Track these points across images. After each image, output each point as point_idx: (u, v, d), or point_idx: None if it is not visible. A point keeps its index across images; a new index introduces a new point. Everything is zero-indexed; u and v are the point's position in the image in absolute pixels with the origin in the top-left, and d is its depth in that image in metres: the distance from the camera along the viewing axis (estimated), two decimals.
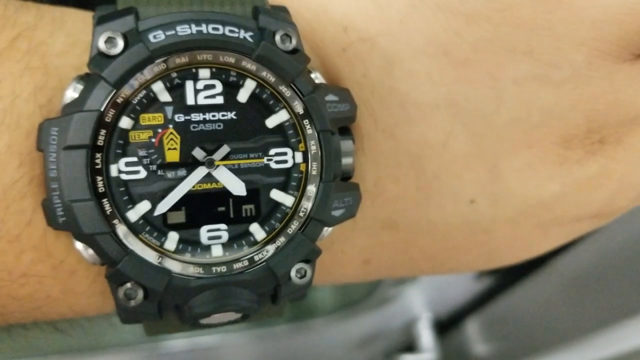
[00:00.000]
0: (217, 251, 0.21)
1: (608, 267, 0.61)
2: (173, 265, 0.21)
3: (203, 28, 0.20)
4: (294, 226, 0.22)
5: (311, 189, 0.22)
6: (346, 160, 0.22)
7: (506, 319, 0.78)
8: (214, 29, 0.21)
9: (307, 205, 0.22)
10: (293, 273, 0.22)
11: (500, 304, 0.76)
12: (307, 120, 0.22)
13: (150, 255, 0.21)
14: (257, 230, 0.22)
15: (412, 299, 0.82)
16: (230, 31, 0.21)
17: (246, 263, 0.21)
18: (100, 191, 0.20)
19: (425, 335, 0.84)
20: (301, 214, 0.22)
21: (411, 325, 0.84)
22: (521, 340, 0.77)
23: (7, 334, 0.26)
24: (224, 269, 0.21)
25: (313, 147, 0.22)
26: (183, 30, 0.20)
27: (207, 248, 0.21)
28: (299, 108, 0.22)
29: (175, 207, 0.21)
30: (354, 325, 0.83)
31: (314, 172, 0.22)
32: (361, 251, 0.26)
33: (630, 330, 0.59)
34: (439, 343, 0.84)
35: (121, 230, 0.20)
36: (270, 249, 0.22)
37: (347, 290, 0.82)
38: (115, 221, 0.20)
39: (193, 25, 0.20)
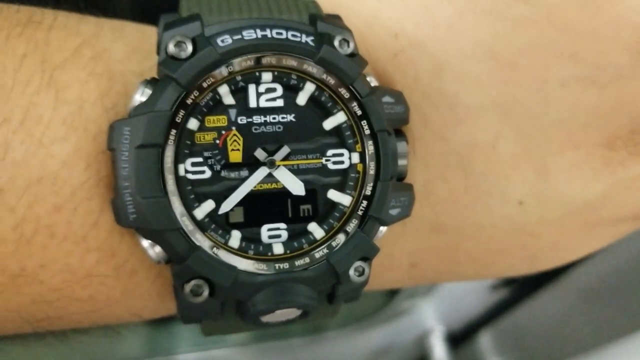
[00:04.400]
0: (278, 249, 0.22)
1: (622, 278, 0.61)
2: (238, 262, 0.21)
3: (267, 33, 0.21)
4: (352, 224, 0.22)
5: (369, 188, 0.22)
6: (401, 162, 0.23)
7: (520, 331, 0.78)
8: (277, 33, 0.21)
9: (365, 204, 0.22)
10: (352, 271, 0.22)
11: (514, 316, 0.76)
12: (364, 121, 0.22)
13: (216, 252, 0.21)
14: (315, 229, 0.22)
15: (425, 311, 0.82)
16: (293, 35, 0.22)
17: (307, 260, 0.22)
18: (170, 189, 0.20)
19: (438, 348, 0.84)
20: (359, 213, 0.23)
21: (424, 338, 0.84)
22: (535, 353, 0.77)
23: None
24: (286, 265, 0.22)
25: (370, 148, 0.22)
26: (249, 34, 0.21)
27: (268, 246, 0.22)
28: (357, 109, 0.22)
29: (238, 207, 0.22)
30: (367, 339, 0.83)
31: (371, 172, 0.23)
32: (409, 255, 0.26)
33: None
34: (452, 356, 0.84)
35: (189, 227, 0.21)
36: (331, 246, 0.22)
37: (358, 304, 0.82)
38: (184, 218, 0.21)
39: (258, 30, 0.21)
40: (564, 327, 0.72)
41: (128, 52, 0.23)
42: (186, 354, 0.79)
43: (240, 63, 0.21)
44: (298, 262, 0.22)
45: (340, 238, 0.22)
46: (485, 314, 0.80)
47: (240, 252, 0.22)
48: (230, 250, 0.21)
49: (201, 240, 0.21)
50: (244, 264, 0.21)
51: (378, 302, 0.79)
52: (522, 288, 0.73)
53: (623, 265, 0.61)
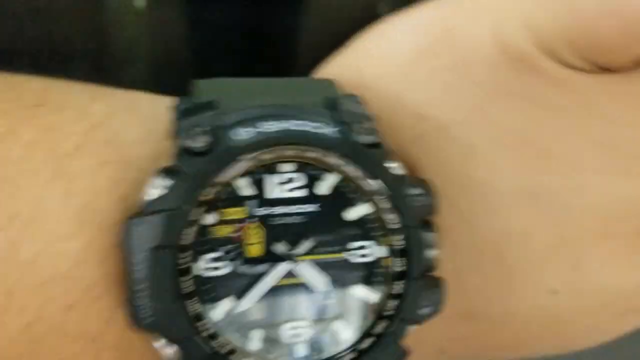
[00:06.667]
0: (299, 351, 0.21)
1: None
2: None
3: (288, 125, 0.20)
4: (381, 325, 0.21)
5: (397, 285, 0.21)
6: (431, 254, 0.22)
7: None
8: (297, 125, 0.21)
9: (393, 303, 0.21)
10: None
11: None
12: (391, 214, 0.21)
13: (235, 357, 0.20)
14: (341, 329, 0.21)
15: None
16: (314, 127, 0.21)
17: None
18: (185, 292, 0.19)
19: None
20: (388, 313, 0.21)
21: None
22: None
23: None
24: None
25: (398, 242, 0.21)
26: (268, 126, 0.20)
27: (289, 347, 0.21)
28: (382, 202, 0.21)
29: (258, 304, 0.20)
30: None
31: (399, 268, 0.21)
32: (439, 341, 0.25)
33: None
34: None
35: (206, 332, 0.19)
36: (357, 350, 0.21)
37: None
38: (200, 322, 0.19)
39: (277, 122, 0.20)
40: None
41: (142, 133, 0.22)
42: None
43: (259, 156, 0.20)
44: None
45: (369, 340, 0.21)
46: None
47: (260, 355, 0.20)
48: (249, 354, 0.20)
49: (219, 344, 0.20)
50: None
51: None
52: None
53: None
